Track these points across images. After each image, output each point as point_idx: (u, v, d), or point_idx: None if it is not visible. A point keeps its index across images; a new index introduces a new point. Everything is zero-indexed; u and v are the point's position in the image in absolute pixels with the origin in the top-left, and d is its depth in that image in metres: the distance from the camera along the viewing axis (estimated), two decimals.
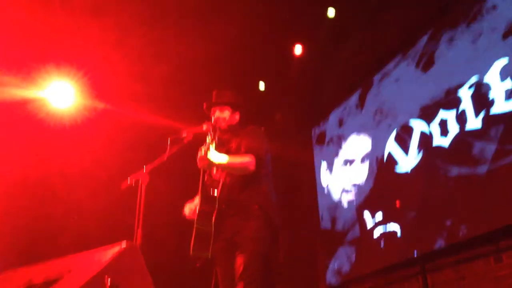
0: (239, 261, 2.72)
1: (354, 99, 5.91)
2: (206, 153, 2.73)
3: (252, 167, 2.86)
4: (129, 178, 2.97)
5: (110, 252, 2.21)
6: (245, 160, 2.87)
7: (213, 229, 2.81)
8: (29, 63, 5.80)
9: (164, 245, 10.12)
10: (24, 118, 6.71)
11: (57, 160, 7.82)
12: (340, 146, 6.00)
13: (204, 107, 3.24)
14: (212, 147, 2.76)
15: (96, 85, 6.68)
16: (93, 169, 8.18)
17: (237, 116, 3.21)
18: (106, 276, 1.55)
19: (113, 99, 6.93)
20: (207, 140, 2.78)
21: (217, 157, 2.80)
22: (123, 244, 2.22)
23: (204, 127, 3.06)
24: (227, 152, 3.06)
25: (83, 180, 8.34)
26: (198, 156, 2.79)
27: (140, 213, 2.81)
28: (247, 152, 2.91)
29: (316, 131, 6.65)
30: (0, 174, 7.66)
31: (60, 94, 6.37)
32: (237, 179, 2.92)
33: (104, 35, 5.88)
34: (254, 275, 2.65)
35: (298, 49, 6.24)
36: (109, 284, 1.55)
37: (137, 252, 2.29)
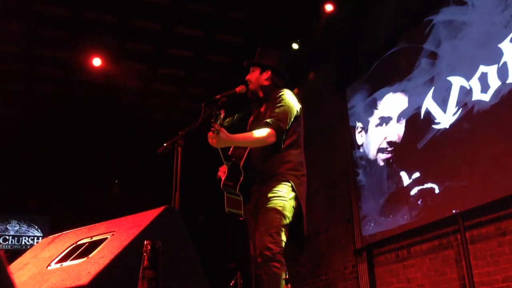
0: (258, 219, 2.77)
1: (390, 56, 5.74)
2: (214, 132, 2.55)
3: (271, 139, 2.77)
4: (165, 143, 3.00)
5: (150, 215, 2.30)
6: (262, 134, 2.76)
7: (241, 197, 2.87)
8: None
9: (202, 207, 10.42)
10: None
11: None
12: (375, 105, 5.89)
13: (244, 65, 3.19)
14: (217, 126, 2.53)
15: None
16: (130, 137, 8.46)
17: (267, 77, 3.07)
18: (146, 239, 1.61)
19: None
20: (214, 118, 2.55)
21: (226, 137, 2.64)
22: (162, 208, 2.30)
23: (238, 89, 3.06)
24: (257, 118, 3.04)
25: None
26: (208, 135, 2.64)
27: (177, 177, 2.84)
28: (269, 121, 2.81)
29: (350, 90, 6.53)
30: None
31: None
32: (262, 148, 2.85)
33: None
34: (269, 230, 2.65)
35: (328, 7, 6.08)
36: (149, 246, 1.61)
37: (176, 214, 2.36)
